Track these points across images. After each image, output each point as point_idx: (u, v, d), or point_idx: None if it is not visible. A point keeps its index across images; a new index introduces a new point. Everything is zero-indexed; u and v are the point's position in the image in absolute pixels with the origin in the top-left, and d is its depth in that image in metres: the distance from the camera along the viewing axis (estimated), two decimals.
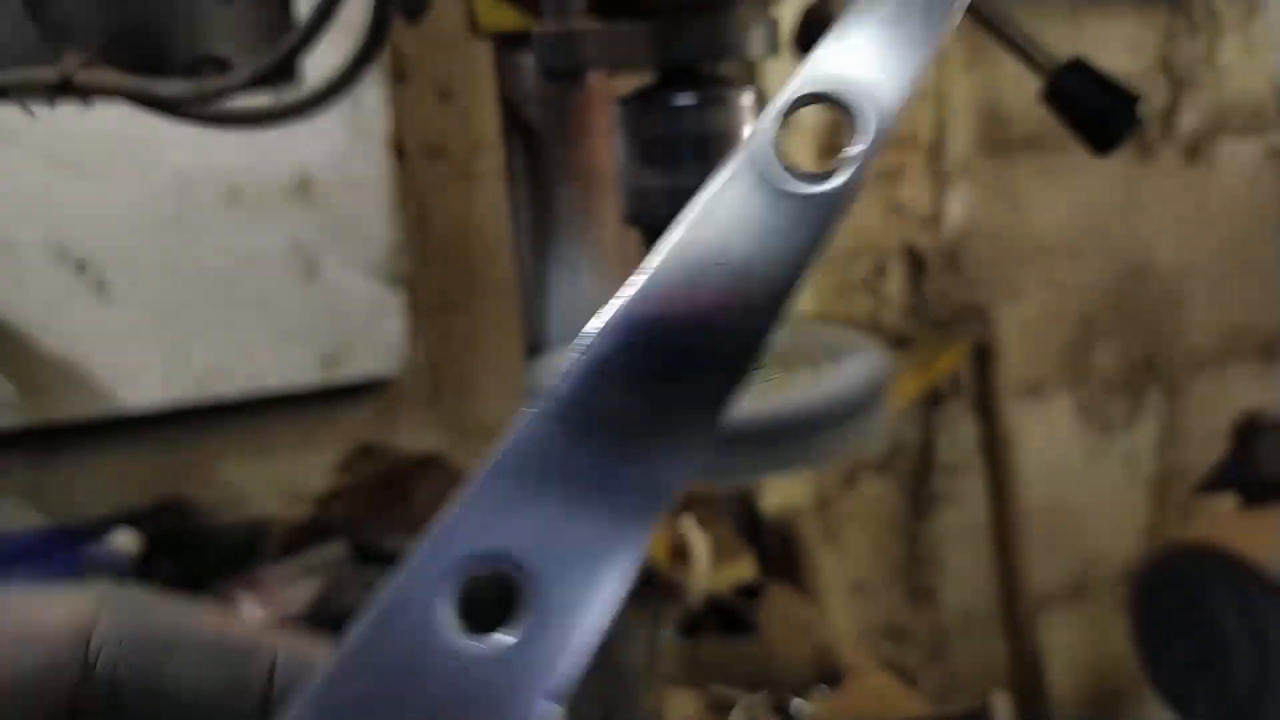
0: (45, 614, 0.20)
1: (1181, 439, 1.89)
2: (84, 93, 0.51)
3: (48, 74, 0.50)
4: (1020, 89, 1.55)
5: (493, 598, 0.16)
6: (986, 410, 1.55)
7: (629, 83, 0.41)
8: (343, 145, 1.08)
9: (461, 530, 0.15)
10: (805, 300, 1.43)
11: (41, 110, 0.53)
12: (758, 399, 0.35)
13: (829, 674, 1.00)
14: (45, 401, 1.02)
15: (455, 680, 0.15)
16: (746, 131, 0.38)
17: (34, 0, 0.53)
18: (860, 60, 0.18)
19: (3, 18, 0.53)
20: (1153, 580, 1.42)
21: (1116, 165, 1.69)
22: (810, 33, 0.57)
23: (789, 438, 0.30)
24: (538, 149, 0.59)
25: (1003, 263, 1.64)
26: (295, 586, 0.99)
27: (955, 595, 1.76)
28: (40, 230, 1.00)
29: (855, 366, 0.34)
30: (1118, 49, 1.64)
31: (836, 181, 0.18)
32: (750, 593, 1.13)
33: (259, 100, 0.53)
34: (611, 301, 0.20)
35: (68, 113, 0.58)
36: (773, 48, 0.39)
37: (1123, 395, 1.82)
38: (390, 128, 1.11)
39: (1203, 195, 1.78)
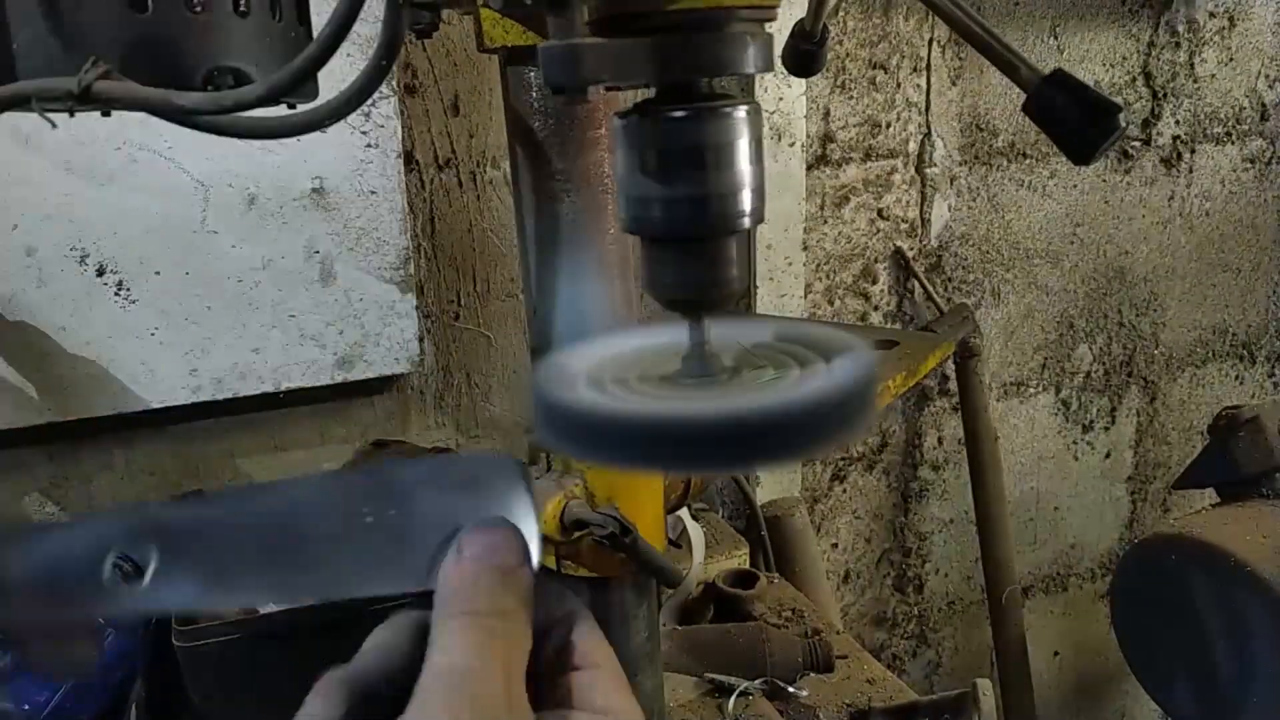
0: None
1: (1160, 436, 1.92)
2: (103, 103, 0.51)
3: (68, 84, 0.50)
4: (1003, 100, 1.59)
5: None
6: (971, 408, 1.58)
7: (630, 96, 0.43)
8: (356, 155, 1.09)
9: None
10: (797, 301, 1.46)
11: (62, 119, 0.53)
12: (748, 394, 0.36)
13: (820, 661, 1.01)
14: (68, 400, 1.03)
15: None
16: (742, 143, 0.40)
17: (55, 12, 0.53)
18: None
19: (24, 29, 0.53)
20: (1134, 571, 1.44)
21: (1097, 172, 1.72)
22: (799, 49, 0.59)
23: (779, 431, 0.30)
24: (542, 159, 0.60)
25: (986, 266, 1.68)
26: None
27: (941, 585, 1.79)
28: (63, 235, 1.01)
29: (844, 365, 0.34)
30: (1099, 61, 1.67)
31: None
32: (745, 582, 1.15)
33: (276, 111, 0.53)
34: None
35: (88, 122, 0.60)
36: (767, 64, 0.40)
37: (1103, 393, 1.85)
38: (402, 139, 1.12)
39: (1181, 201, 1.82)
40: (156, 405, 1.07)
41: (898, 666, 1.77)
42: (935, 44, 1.53)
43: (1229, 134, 1.82)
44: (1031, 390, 1.78)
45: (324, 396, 1.18)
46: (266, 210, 1.07)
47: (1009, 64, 0.48)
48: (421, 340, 1.20)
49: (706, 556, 1.18)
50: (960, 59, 1.55)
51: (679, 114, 0.39)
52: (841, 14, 1.44)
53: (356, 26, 0.47)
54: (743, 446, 0.31)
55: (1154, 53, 1.71)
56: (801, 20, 0.55)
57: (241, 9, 0.58)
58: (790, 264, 1.43)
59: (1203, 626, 1.33)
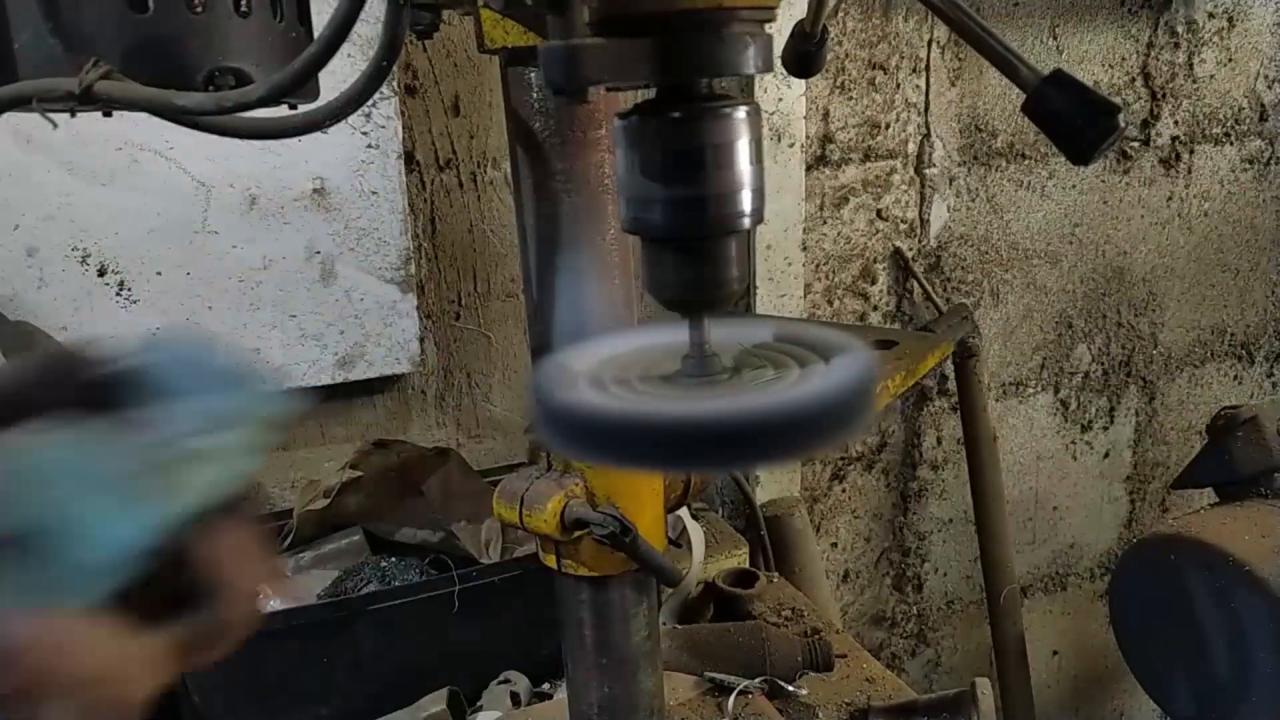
0: None
1: (1158, 436, 1.93)
2: (104, 103, 0.51)
3: (69, 84, 0.50)
4: (1002, 101, 1.60)
5: None
6: (969, 408, 1.58)
7: (630, 97, 0.43)
8: (357, 156, 1.10)
9: None
10: (796, 302, 1.46)
11: (64, 119, 0.53)
12: (748, 394, 0.36)
13: (820, 660, 1.01)
14: None
15: None
16: (742, 143, 0.40)
17: (56, 12, 0.53)
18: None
19: (25, 30, 0.54)
20: (1133, 571, 1.45)
21: (1096, 173, 1.72)
22: (798, 50, 0.59)
23: (779, 431, 0.31)
24: (543, 160, 0.60)
25: (985, 267, 1.68)
26: (312, 575, 1.02)
27: (940, 584, 1.79)
28: (64, 235, 1.01)
29: (843, 365, 0.34)
30: (1099, 61, 1.68)
31: None
32: (744, 581, 1.15)
33: (276, 112, 0.53)
34: None
35: (89, 122, 0.60)
36: (767, 64, 0.40)
37: (1101, 393, 1.85)
38: (402, 139, 1.13)
39: (1180, 201, 1.82)
40: None
41: (897, 665, 1.78)
42: (934, 45, 1.53)
43: (1228, 134, 1.82)
44: (1030, 390, 1.78)
45: (325, 395, 1.18)
46: (267, 210, 1.08)
47: (1008, 64, 0.48)
48: (422, 340, 1.20)
49: (706, 556, 1.19)
50: (960, 60, 1.55)
51: (679, 115, 0.39)
52: (841, 15, 1.44)
53: (357, 27, 0.48)
54: (742, 446, 0.31)
55: (1153, 53, 1.71)
56: (801, 21, 0.55)
57: (242, 9, 0.58)
58: (790, 264, 1.43)
59: (1201, 626, 1.33)
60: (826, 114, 1.48)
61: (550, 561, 0.67)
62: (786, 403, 0.31)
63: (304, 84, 0.51)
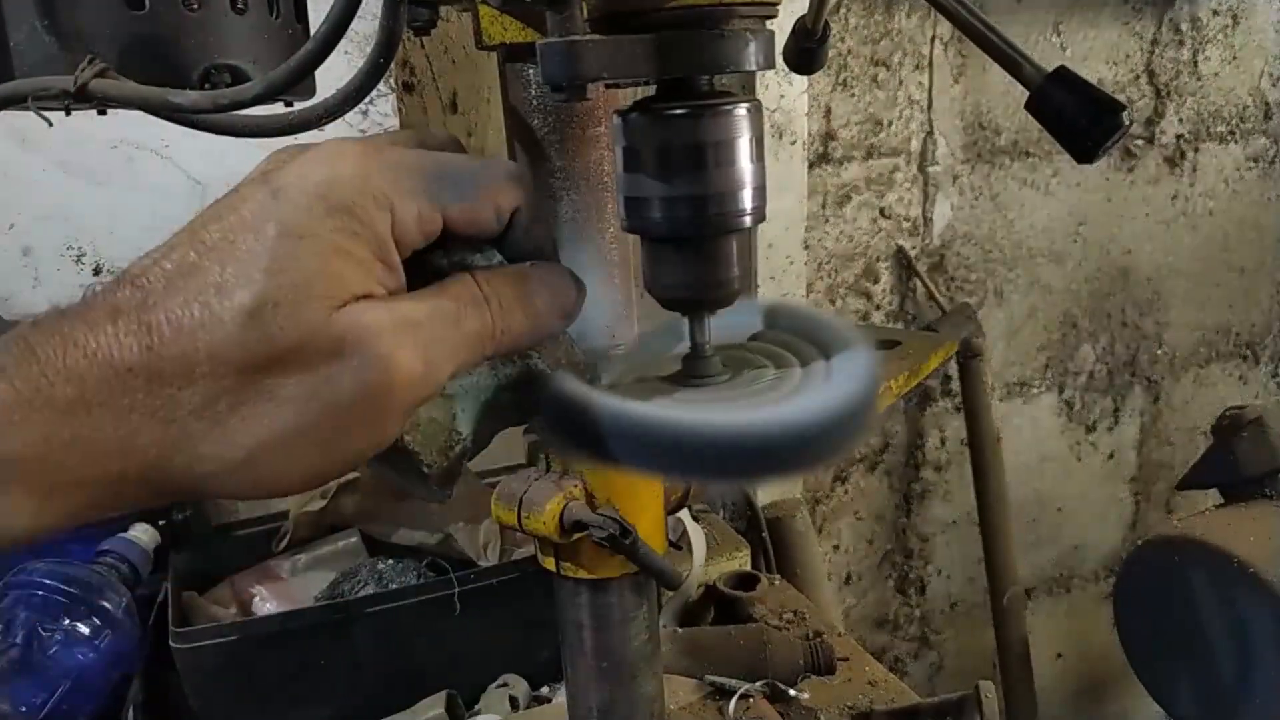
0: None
1: (1163, 436, 1.92)
2: (100, 101, 0.51)
3: (64, 82, 0.50)
4: (1006, 98, 1.59)
5: None
6: (973, 408, 1.57)
7: (630, 94, 0.43)
8: None
9: None
10: (797, 301, 1.45)
11: (59, 118, 0.53)
12: (748, 411, 0.35)
13: (822, 663, 1.00)
14: None
15: None
16: (743, 141, 0.40)
17: (51, 10, 0.53)
18: None
19: (21, 27, 0.53)
20: (1137, 573, 1.44)
21: (1100, 171, 1.72)
22: (800, 47, 0.58)
23: (779, 452, 0.31)
24: (542, 157, 0.59)
25: (989, 265, 1.67)
26: (308, 577, 1.01)
27: (943, 587, 1.78)
28: (59, 234, 1.01)
29: (845, 368, 0.34)
30: (1103, 58, 1.67)
31: None
32: (746, 584, 1.14)
33: (273, 110, 0.53)
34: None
35: (85, 121, 0.59)
36: (768, 61, 0.40)
37: (1106, 394, 1.85)
38: None
39: (1184, 200, 1.81)
40: None
41: (900, 668, 1.77)
42: (937, 41, 1.52)
43: (1232, 133, 1.82)
44: (1034, 390, 1.77)
45: None
46: None
47: (1012, 61, 0.47)
48: None
49: (707, 558, 1.18)
50: (963, 56, 1.54)
51: (679, 112, 0.38)
52: (843, 11, 1.43)
53: (354, 24, 0.47)
54: (751, 464, 0.31)
55: (1157, 50, 1.71)
56: (803, 17, 0.54)
57: (238, 6, 0.58)
58: (792, 263, 1.42)
59: (1205, 628, 1.33)
60: (828, 111, 1.47)
61: (549, 564, 0.66)
62: (786, 423, 0.30)
63: (300, 81, 0.50)
